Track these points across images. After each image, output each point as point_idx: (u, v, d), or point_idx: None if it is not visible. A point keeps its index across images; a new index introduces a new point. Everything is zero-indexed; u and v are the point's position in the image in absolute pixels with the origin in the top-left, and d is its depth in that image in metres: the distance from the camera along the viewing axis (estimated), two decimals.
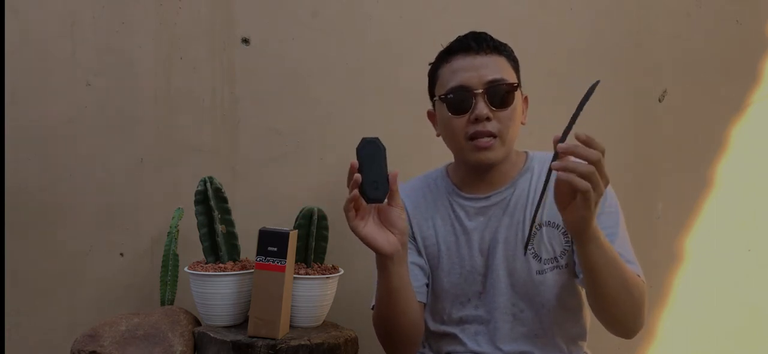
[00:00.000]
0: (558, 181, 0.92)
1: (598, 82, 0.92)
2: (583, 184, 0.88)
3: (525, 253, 1.13)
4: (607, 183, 0.91)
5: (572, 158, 0.89)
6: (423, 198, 1.29)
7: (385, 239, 1.03)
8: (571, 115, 0.91)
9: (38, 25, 1.56)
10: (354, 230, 1.01)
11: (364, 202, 1.01)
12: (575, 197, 0.92)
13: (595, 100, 0.92)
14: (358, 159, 1.00)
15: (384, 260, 1.06)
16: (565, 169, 0.89)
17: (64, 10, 1.57)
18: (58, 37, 1.57)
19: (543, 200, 0.93)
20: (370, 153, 1.01)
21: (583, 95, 0.91)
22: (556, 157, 0.90)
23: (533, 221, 1.02)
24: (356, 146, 1.02)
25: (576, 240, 0.98)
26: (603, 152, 0.90)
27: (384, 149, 1.03)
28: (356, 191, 0.98)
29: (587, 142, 0.88)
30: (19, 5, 1.55)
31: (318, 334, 1.29)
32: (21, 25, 1.55)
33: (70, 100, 1.57)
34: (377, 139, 1.03)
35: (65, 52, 1.57)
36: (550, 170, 0.91)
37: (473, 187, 1.23)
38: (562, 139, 0.90)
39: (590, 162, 0.88)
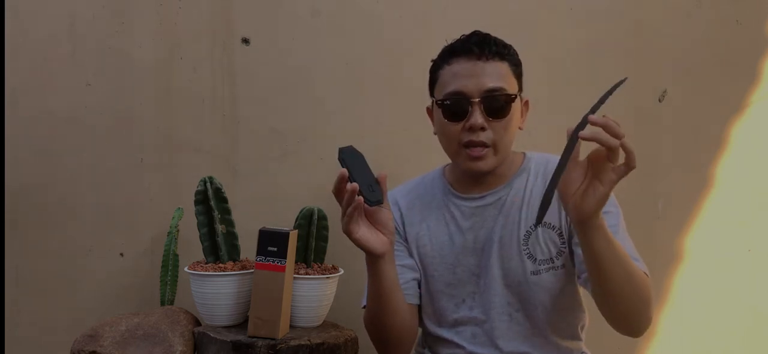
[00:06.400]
0: (568, 170, 0.92)
1: (625, 79, 0.92)
2: (613, 141, 0.87)
3: (536, 226, 1.04)
4: (633, 164, 0.90)
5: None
6: (418, 199, 1.29)
7: (378, 240, 1.06)
8: (594, 103, 0.91)
9: (38, 25, 1.56)
10: (349, 234, 1.03)
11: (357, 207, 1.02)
12: (584, 183, 0.93)
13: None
14: (344, 166, 1.02)
15: (376, 260, 1.08)
16: (593, 137, 0.88)
17: (64, 10, 1.57)
18: (58, 37, 1.57)
19: (562, 171, 0.91)
20: (353, 159, 1.04)
21: (608, 88, 0.91)
22: (581, 128, 0.89)
23: (551, 190, 0.92)
24: (337, 156, 1.04)
25: (581, 228, 0.96)
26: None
27: (362, 154, 1.06)
28: (360, 198, 0.99)
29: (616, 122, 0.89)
30: (19, 5, 1.55)
31: (318, 334, 1.29)
32: (21, 25, 1.55)
33: (70, 100, 1.57)
34: (352, 146, 1.06)
35: (65, 52, 1.57)
36: (573, 142, 0.90)
37: (469, 187, 1.23)
38: (582, 124, 0.90)
39: (617, 137, 0.88)
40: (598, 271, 1.00)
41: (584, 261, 1.03)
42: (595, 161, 0.93)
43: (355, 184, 0.99)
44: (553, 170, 0.90)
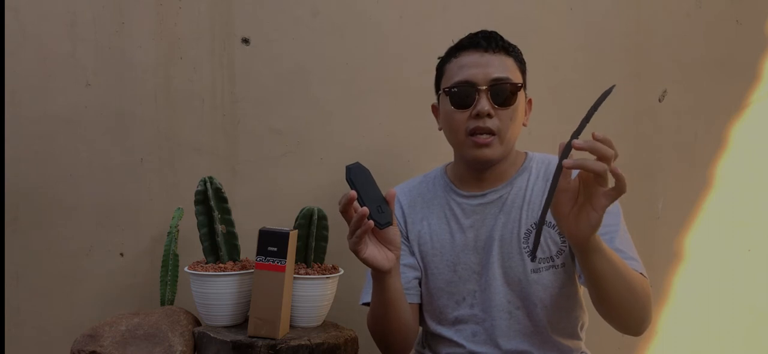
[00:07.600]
0: (560, 191, 0.91)
1: (613, 87, 0.89)
2: (600, 166, 0.84)
3: (533, 259, 1.03)
4: (624, 189, 0.87)
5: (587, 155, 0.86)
6: (419, 197, 1.29)
7: (384, 257, 1.06)
8: (582, 118, 0.87)
9: (38, 25, 1.56)
10: (357, 254, 1.03)
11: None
12: (577, 204, 0.91)
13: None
14: (352, 188, 1.01)
15: (382, 276, 1.08)
16: (577, 165, 0.85)
17: (64, 10, 1.57)
18: (58, 37, 1.57)
19: (550, 203, 0.88)
20: (361, 178, 1.03)
21: (596, 99, 0.88)
22: (565, 156, 0.86)
23: (540, 227, 0.91)
24: (345, 176, 1.03)
25: (578, 250, 0.95)
26: (615, 157, 0.86)
27: (369, 171, 1.05)
28: (370, 222, 0.99)
29: (605, 142, 0.85)
30: (18, 5, 1.55)
31: (318, 334, 1.29)
32: (21, 25, 1.55)
33: (70, 100, 1.57)
34: (358, 163, 1.05)
35: (65, 52, 1.57)
36: (558, 171, 0.87)
37: (470, 185, 1.24)
38: (571, 140, 0.86)
39: (605, 160, 0.85)
40: (598, 288, 1.00)
41: (584, 279, 1.03)
42: (586, 184, 0.91)
43: (366, 209, 0.98)
44: (552, 174, 0.89)
